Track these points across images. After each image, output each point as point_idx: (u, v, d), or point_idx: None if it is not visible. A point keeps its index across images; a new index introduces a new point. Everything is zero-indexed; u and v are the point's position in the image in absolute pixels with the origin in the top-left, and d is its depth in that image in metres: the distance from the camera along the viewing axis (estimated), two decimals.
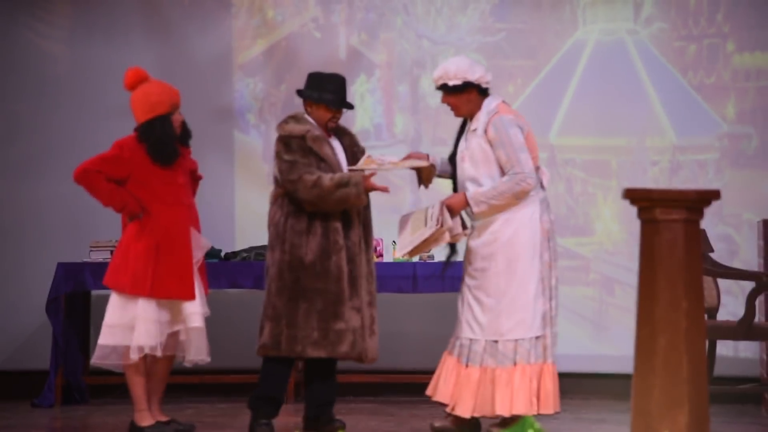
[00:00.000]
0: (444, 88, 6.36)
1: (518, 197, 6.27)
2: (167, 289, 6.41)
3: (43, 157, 8.86)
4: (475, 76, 6.33)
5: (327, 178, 6.28)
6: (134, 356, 6.41)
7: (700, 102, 8.74)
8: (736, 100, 8.70)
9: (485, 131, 6.30)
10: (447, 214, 6.26)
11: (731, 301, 8.42)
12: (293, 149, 6.35)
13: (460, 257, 6.60)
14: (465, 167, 6.36)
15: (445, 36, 8.94)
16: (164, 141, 6.48)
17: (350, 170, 6.34)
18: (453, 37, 8.93)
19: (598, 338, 8.72)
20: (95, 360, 6.50)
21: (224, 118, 9.02)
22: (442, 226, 6.22)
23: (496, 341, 6.25)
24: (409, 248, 6.33)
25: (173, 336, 6.53)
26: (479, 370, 6.26)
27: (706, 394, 5.41)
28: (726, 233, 8.63)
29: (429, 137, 8.94)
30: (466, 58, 6.47)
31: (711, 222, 8.36)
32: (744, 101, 8.69)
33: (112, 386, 8.26)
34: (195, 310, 6.49)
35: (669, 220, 5.39)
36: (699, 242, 5.46)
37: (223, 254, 8.40)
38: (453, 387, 6.32)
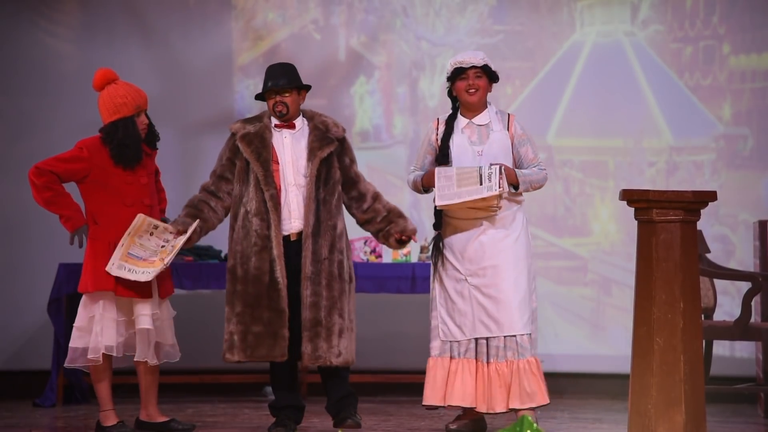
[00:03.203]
0: (486, 69, 6.49)
1: (537, 189, 6.52)
2: (125, 288, 6.43)
3: (48, 156, 8.87)
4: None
5: (194, 199, 6.51)
6: (92, 356, 6.44)
7: (696, 103, 8.78)
8: (732, 102, 8.74)
9: (508, 128, 6.44)
10: (505, 181, 6.29)
11: (727, 302, 8.46)
12: (224, 147, 6.54)
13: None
14: (481, 162, 6.40)
15: (444, 38, 8.99)
16: (126, 143, 6.49)
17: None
18: (451, 38, 8.97)
19: (596, 338, 8.75)
20: (66, 363, 6.55)
21: (225, 119, 9.04)
22: (502, 190, 6.24)
23: (513, 336, 6.32)
24: (456, 201, 6.26)
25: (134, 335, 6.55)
26: (505, 364, 6.32)
27: (703, 393, 5.45)
28: (722, 234, 8.67)
29: None
30: None
31: (707, 222, 8.39)
32: (740, 102, 8.73)
33: (112, 386, 8.29)
34: (144, 312, 6.45)
35: (666, 221, 5.43)
36: (695, 243, 5.51)
37: (223, 255, 8.43)
38: (483, 388, 6.36)
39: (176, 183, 8.63)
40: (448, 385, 6.43)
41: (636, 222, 5.57)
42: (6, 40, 9.02)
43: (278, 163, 6.38)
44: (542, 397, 6.33)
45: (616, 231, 8.79)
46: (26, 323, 8.81)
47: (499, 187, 6.20)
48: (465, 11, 8.98)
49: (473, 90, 6.47)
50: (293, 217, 6.37)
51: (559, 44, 8.92)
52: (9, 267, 8.87)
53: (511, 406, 6.32)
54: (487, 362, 6.34)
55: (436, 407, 6.51)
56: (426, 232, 8.82)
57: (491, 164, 6.29)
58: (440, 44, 8.99)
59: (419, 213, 8.91)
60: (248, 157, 6.38)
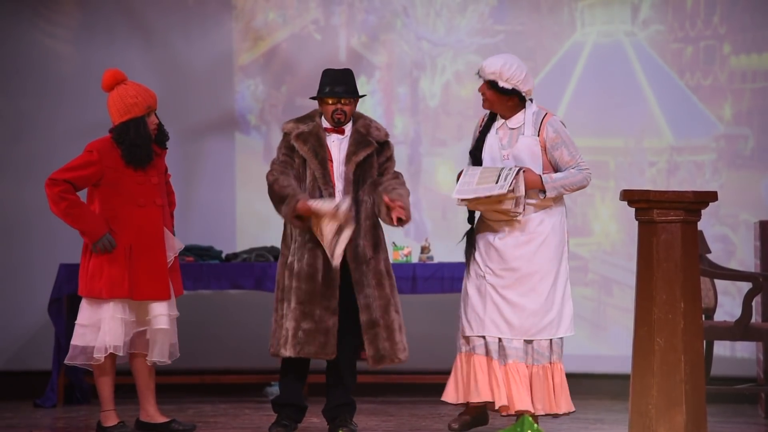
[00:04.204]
0: (492, 84, 6.38)
1: (578, 190, 6.42)
2: (142, 290, 6.44)
3: (48, 156, 8.87)
4: (525, 88, 6.38)
5: (278, 186, 6.34)
6: (98, 355, 6.44)
7: (696, 103, 8.78)
8: (732, 102, 8.74)
9: (539, 132, 6.34)
10: (522, 183, 6.22)
11: (728, 302, 8.45)
12: (280, 147, 6.49)
13: (452, 257, 6.60)
14: (508, 165, 6.36)
15: (445, 38, 8.98)
16: (138, 143, 6.50)
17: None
18: (452, 38, 8.97)
19: (596, 338, 8.75)
20: (67, 360, 6.56)
21: (225, 119, 9.05)
22: (513, 191, 6.18)
23: (530, 341, 6.29)
24: (470, 196, 6.22)
25: (142, 335, 6.55)
26: (525, 366, 6.29)
27: (704, 394, 5.45)
28: (723, 234, 8.67)
29: (428, 138, 8.97)
30: (523, 65, 6.45)
31: (708, 223, 8.39)
32: (740, 102, 8.73)
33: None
34: (162, 312, 6.47)
35: (666, 221, 5.43)
36: (696, 243, 5.51)
37: (224, 255, 8.43)
38: (497, 384, 6.31)
39: (177, 184, 8.61)
40: (470, 381, 6.39)
41: (637, 222, 5.57)
42: (5, 41, 9.02)
43: (332, 162, 6.41)
44: (551, 406, 6.25)
45: (617, 231, 8.79)
46: (27, 323, 8.81)
47: (510, 187, 6.15)
48: (465, 11, 8.97)
49: (483, 99, 6.45)
50: None
51: (559, 44, 8.92)
52: (9, 267, 8.87)
53: (537, 410, 6.26)
54: (506, 363, 6.29)
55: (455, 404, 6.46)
56: (427, 232, 8.82)
57: (514, 166, 6.27)
58: (441, 44, 8.98)
59: (420, 214, 8.91)
60: (305, 155, 6.38)
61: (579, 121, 8.85)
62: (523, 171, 6.23)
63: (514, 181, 6.15)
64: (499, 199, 6.19)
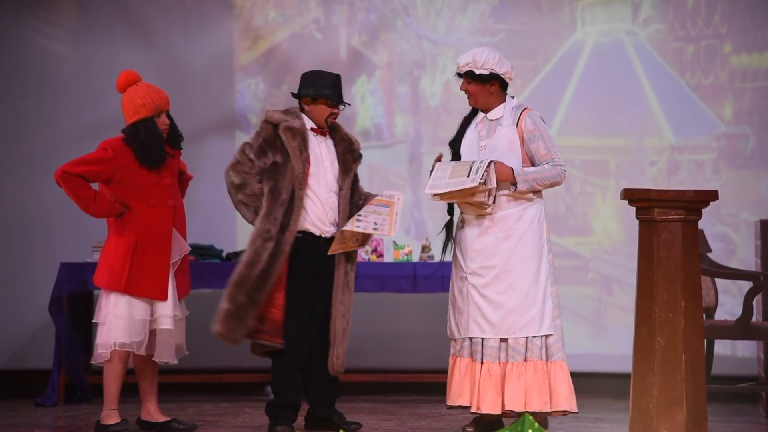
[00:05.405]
0: (469, 75, 6.36)
1: (552, 186, 6.37)
2: (141, 287, 6.47)
3: (47, 156, 8.88)
4: (502, 69, 6.37)
5: (249, 197, 6.44)
6: (101, 351, 6.48)
7: (697, 102, 8.78)
8: (733, 101, 8.74)
9: (517, 123, 6.33)
10: (493, 175, 6.21)
11: (729, 301, 8.46)
12: (258, 136, 6.49)
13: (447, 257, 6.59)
14: (486, 156, 6.35)
15: (445, 37, 8.99)
16: (149, 144, 6.53)
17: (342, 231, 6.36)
18: (453, 38, 8.97)
19: (597, 337, 8.75)
20: (92, 359, 6.60)
21: (226, 118, 9.06)
22: (485, 184, 6.16)
23: (506, 339, 6.26)
24: (442, 190, 6.22)
25: (151, 335, 6.56)
26: (498, 365, 6.26)
27: (704, 393, 5.45)
28: (724, 233, 8.67)
29: (429, 137, 8.97)
30: (495, 50, 6.44)
31: (708, 222, 8.39)
32: (741, 102, 8.73)
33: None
34: (165, 313, 6.51)
35: (667, 220, 5.43)
36: (697, 242, 5.51)
37: (224, 254, 8.43)
38: (471, 387, 6.30)
39: None
40: (452, 384, 6.39)
41: (637, 221, 5.57)
42: (4, 43, 9.03)
43: (309, 164, 6.42)
44: (519, 403, 6.18)
45: (618, 230, 8.79)
46: (27, 323, 8.81)
47: (481, 180, 6.13)
48: (466, 10, 8.98)
49: (467, 96, 6.44)
50: (328, 221, 6.43)
51: (560, 43, 8.92)
52: (10, 267, 8.88)
53: (507, 408, 6.24)
54: (481, 362, 6.28)
55: (453, 407, 6.44)
56: (427, 231, 8.82)
57: (485, 159, 6.25)
58: (441, 43, 8.99)
59: (420, 213, 8.91)
60: (291, 151, 6.38)
61: (580, 120, 8.85)
62: (494, 164, 6.22)
63: (485, 174, 6.14)
64: (472, 192, 6.18)
